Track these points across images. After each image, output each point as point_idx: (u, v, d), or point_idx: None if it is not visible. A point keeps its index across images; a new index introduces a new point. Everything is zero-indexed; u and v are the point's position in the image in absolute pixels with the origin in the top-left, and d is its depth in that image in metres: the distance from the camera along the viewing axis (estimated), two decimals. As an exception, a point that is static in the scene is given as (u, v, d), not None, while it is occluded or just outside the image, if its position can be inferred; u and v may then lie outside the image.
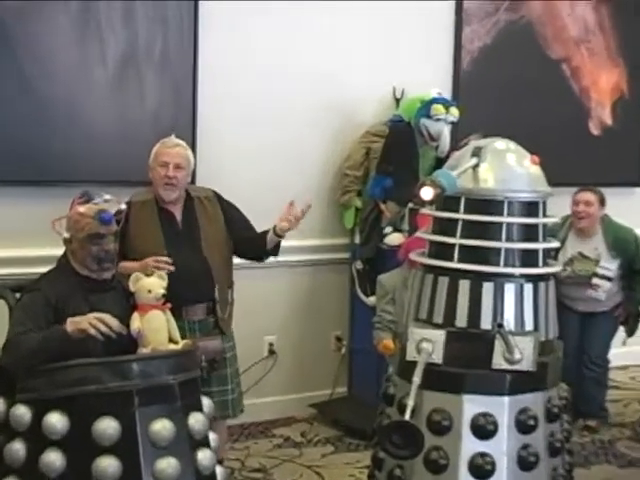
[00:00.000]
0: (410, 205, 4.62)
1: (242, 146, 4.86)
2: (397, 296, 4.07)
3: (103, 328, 2.96)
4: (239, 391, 4.04)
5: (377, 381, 4.62)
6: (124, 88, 4.46)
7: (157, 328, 3.22)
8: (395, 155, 4.83)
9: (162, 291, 3.26)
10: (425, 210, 3.05)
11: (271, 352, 5.09)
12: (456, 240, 2.90)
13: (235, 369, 4.00)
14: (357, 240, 5.05)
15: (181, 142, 3.90)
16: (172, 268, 3.52)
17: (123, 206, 3.44)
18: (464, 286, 2.88)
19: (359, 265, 4.98)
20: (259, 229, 4.00)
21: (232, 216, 3.99)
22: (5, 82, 4.19)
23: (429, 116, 4.81)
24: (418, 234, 3.31)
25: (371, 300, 4.73)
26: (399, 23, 5.26)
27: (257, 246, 3.97)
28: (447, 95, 5.20)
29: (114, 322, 2.99)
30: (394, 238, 4.75)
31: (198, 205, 3.90)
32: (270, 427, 5.00)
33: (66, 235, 3.23)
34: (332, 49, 5.08)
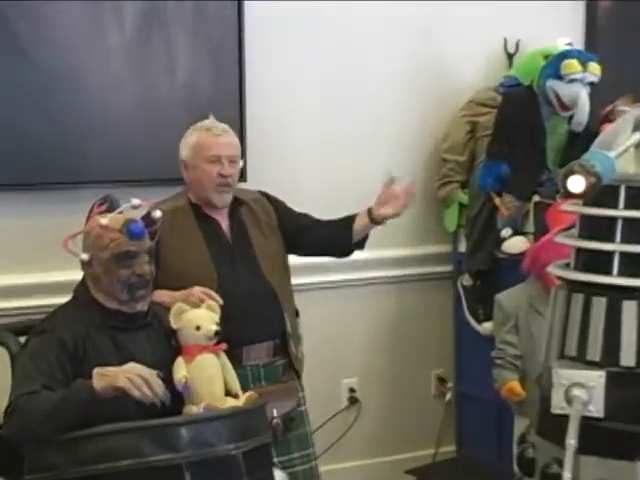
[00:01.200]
0: (536, 198, 4.61)
1: (305, 125, 4.86)
2: (522, 322, 4.12)
3: (147, 391, 2.95)
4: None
5: (497, 436, 4.74)
6: (147, 55, 4.48)
7: (210, 377, 3.22)
8: (512, 132, 4.77)
9: (215, 327, 3.25)
10: (564, 205, 2.97)
11: (352, 400, 5.11)
12: (615, 246, 2.84)
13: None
14: (463, 248, 5.07)
15: (226, 126, 3.88)
16: (221, 302, 3.51)
17: (158, 213, 3.39)
18: (629, 309, 2.80)
19: (467, 281, 4.99)
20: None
21: (294, 217, 4.01)
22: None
23: (559, 76, 4.69)
24: (552, 237, 3.25)
25: (485, 327, 4.77)
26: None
27: (340, 242, 3.99)
28: (579, 46, 5.16)
29: (160, 387, 2.99)
30: (515, 243, 4.72)
31: (245, 211, 3.90)
32: (356, 502, 5.00)
33: (84, 256, 3.24)
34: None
